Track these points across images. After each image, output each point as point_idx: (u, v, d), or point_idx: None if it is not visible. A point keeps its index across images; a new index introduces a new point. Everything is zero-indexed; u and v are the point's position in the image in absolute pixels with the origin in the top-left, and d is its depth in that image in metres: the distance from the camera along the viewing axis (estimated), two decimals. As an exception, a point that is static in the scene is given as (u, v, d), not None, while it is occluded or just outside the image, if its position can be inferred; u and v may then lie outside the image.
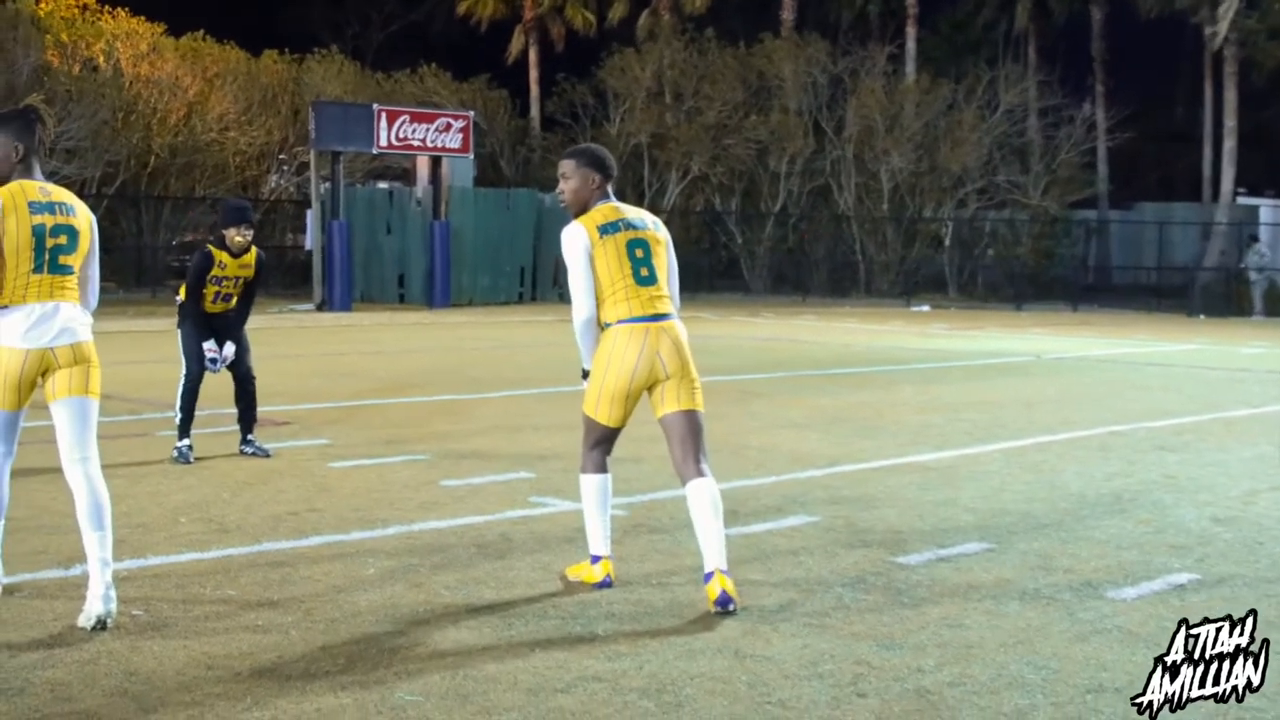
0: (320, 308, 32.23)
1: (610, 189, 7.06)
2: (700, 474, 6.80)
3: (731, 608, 6.51)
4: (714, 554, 6.60)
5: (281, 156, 41.55)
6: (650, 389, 6.95)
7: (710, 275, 45.48)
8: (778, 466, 10.70)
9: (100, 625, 6.08)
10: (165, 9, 42.42)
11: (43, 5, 39.65)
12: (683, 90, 46.29)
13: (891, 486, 9.94)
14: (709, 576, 6.56)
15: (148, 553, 7.55)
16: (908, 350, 23.29)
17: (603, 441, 7.06)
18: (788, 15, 52.49)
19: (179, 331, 10.89)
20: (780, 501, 9.25)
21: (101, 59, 38.61)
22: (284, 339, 23.45)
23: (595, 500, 7.05)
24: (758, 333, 27.64)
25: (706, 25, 49.40)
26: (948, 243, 45.85)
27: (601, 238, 6.84)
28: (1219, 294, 40.23)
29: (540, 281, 38.06)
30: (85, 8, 40.20)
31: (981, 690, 5.54)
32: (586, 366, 7.00)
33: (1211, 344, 25.86)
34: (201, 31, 42.01)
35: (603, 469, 7.06)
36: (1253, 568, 7.63)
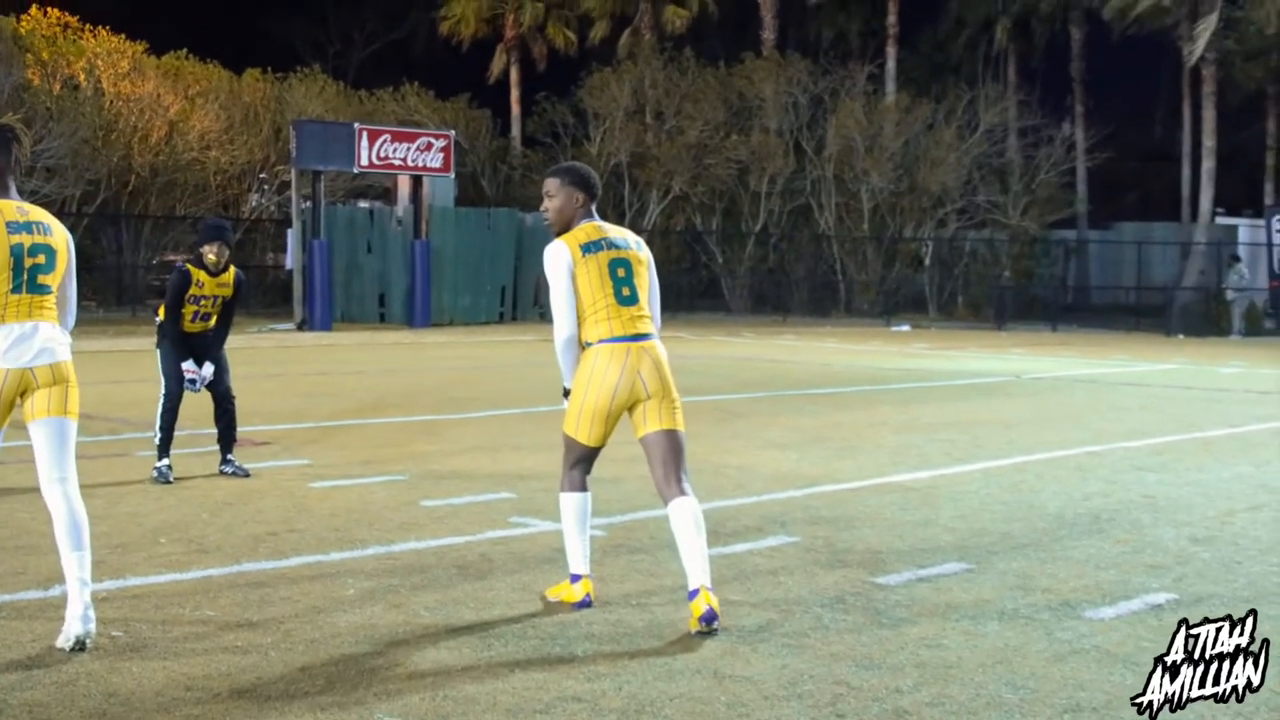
0: (301, 327, 32.19)
1: (594, 208, 7.07)
2: (682, 493, 6.80)
3: (715, 624, 6.51)
4: (698, 571, 6.61)
5: (262, 175, 41.53)
6: (631, 409, 6.95)
7: (690, 295, 45.51)
8: (757, 486, 10.72)
9: (79, 646, 6.06)
10: (147, 28, 42.44)
11: (24, 23, 39.61)
12: (663, 109, 46.39)
13: (871, 506, 9.96)
14: (694, 594, 6.56)
15: (127, 573, 7.53)
16: (887, 370, 23.33)
17: (582, 461, 7.06)
18: (768, 35, 52.69)
19: (158, 351, 10.88)
20: (760, 521, 9.26)
21: (82, 77, 38.57)
22: (264, 358, 23.41)
23: (575, 519, 7.04)
24: (738, 352, 27.66)
25: (687, 45, 49.53)
26: (928, 262, 45.98)
27: (584, 256, 6.84)
28: (1198, 313, 40.36)
29: (521, 301, 38.06)
30: (67, 26, 40.16)
31: (960, 710, 5.55)
32: (567, 385, 7.00)
33: (1190, 364, 25.94)
34: (184, 50, 42.02)
35: (582, 488, 7.06)
36: (1230, 587, 7.66)
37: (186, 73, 41.00)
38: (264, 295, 39.18)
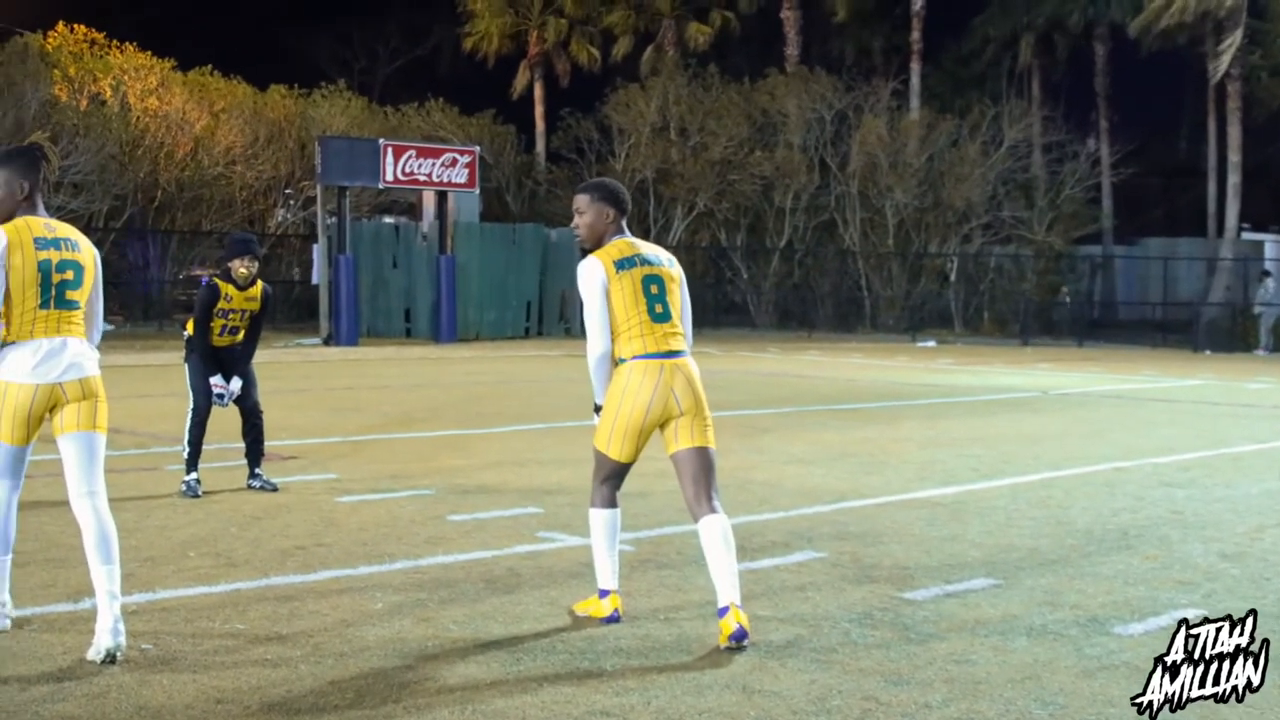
0: (327, 342, 32.27)
1: (624, 223, 7.07)
2: (712, 510, 6.77)
3: (745, 642, 6.50)
4: (728, 589, 6.60)
5: (288, 191, 41.66)
6: (663, 426, 6.94)
7: (715, 311, 45.48)
8: (784, 502, 10.71)
9: (110, 659, 6.09)
10: (173, 44, 42.63)
11: (50, 40, 39.83)
12: (687, 126, 46.41)
13: (898, 522, 9.95)
14: (724, 611, 6.55)
15: (156, 586, 7.56)
16: (913, 385, 23.29)
17: (613, 477, 7.05)
18: (792, 51, 52.69)
19: (186, 365, 10.91)
20: (787, 537, 9.26)
21: (109, 93, 38.76)
22: (291, 373, 23.48)
23: (604, 535, 7.03)
24: (763, 368, 27.65)
25: (710, 61, 49.56)
26: (953, 278, 45.90)
27: (618, 273, 6.83)
28: (1224, 329, 40.22)
29: (546, 316, 38.11)
30: (93, 43, 40.38)
31: (990, 726, 5.55)
32: (599, 401, 7.00)
33: (1217, 379, 25.86)
34: (209, 66, 42.19)
35: (612, 504, 7.07)
36: (1260, 603, 7.62)
37: (212, 89, 41.16)
38: (290, 310, 39.31)
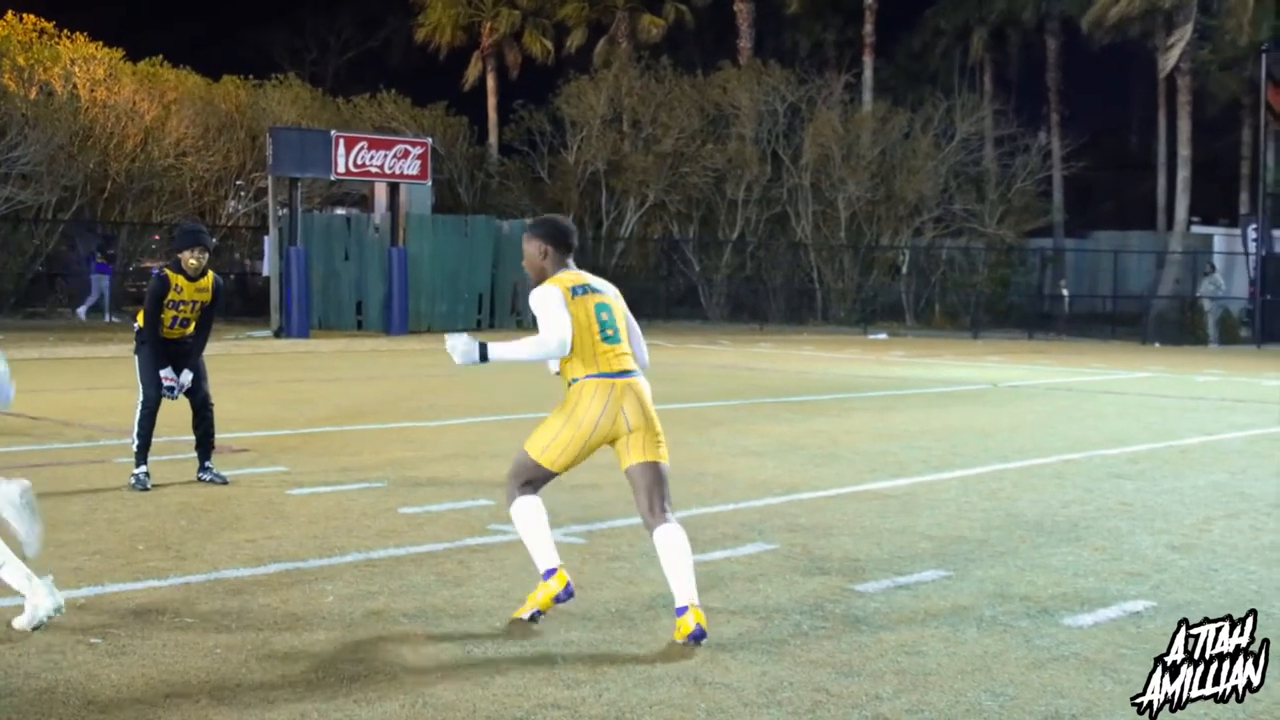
0: (278, 334, 32.12)
1: (570, 259, 7.20)
2: (665, 521, 6.84)
3: (704, 642, 6.54)
4: (685, 590, 6.66)
5: (239, 182, 41.44)
6: (613, 442, 7.00)
7: (667, 303, 45.52)
8: (735, 494, 10.72)
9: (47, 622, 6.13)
10: (123, 34, 42.33)
11: (-1, 29, 39.47)
12: (640, 118, 46.41)
13: (849, 514, 9.98)
14: (682, 610, 6.61)
15: (105, 580, 7.51)
16: (864, 378, 23.35)
17: (535, 481, 7.08)
18: (745, 44, 52.77)
19: (136, 357, 10.80)
20: (738, 529, 9.27)
21: (58, 83, 38.43)
22: (241, 365, 23.36)
23: (533, 519, 7.03)
24: (715, 360, 27.68)
25: (663, 53, 49.57)
26: (905, 271, 46.07)
27: (574, 298, 6.97)
28: (1174, 322, 40.52)
29: (498, 308, 38.03)
30: (43, 32, 40.00)
31: (939, 717, 5.57)
32: (492, 352, 6.94)
33: (1166, 372, 26.04)
34: (159, 57, 41.90)
35: (533, 494, 7.08)
36: (1208, 595, 7.69)
37: (162, 79, 40.87)
38: (241, 302, 39.08)
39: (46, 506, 9.42)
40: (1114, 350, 34.14)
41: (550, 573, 6.94)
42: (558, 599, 6.91)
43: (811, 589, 7.65)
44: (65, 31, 40.07)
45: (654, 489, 6.93)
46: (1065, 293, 43.76)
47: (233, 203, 41.92)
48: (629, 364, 7.06)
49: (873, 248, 45.77)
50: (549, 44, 54.60)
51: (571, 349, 6.93)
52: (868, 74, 51.33)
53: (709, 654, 6.33)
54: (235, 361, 24.17)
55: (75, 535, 8.61)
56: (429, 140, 36.73)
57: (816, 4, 55.52)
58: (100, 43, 39.87)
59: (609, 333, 7.02)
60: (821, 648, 6.48)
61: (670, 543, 6.75)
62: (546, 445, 6.97)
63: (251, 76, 43.62)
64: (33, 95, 37.50)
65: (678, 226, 46.57)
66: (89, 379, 20.31)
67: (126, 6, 57.00)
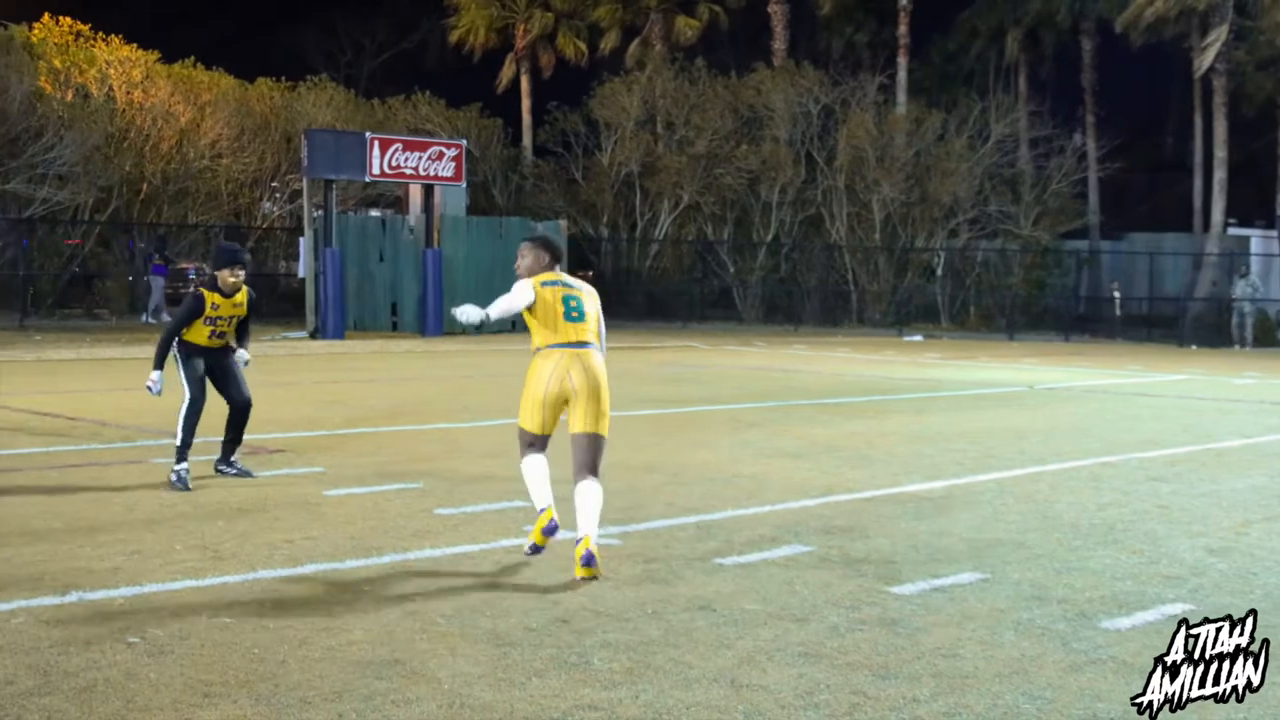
0: (313, 335, 32.20)
1: (558, 267, 8.62)
2: (589, 479, 8.08)
3: (595, 566, 7.77)
4: (587, 523, 7.90)
5: (274, 184, 41.59)
6: (567, 404, 8.22)
7: (702, 305, 45.53)
8: (771, 496, 10.70)
9: None
10: (158, 37, 42.52)
11: (36, 31, 39.67)
12: (674, 120, 46.41)
13: (885, 516, 9.95)
14: (579, 540, 7.86)
15: (143, 580, 7.53)
16: (900, 380, 23.30)
17: (534, 444, 8.32)
18: (779, 45, 52.68)
19: (178, 359, 10.93)
20: (774, 531, 9.26)
21: (94, 86, 38.63)
22: (277, 366, 23.43)
23: (532, 472, 8.28)
24: (750, 362, 27.67)
25: (697, 55, 49.55)
26: (940, 273, 45.96)
27: (543, 288, 8.37)
28: (1210, 324, 40.33)
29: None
30: (79, 34, 40.22)
31: (977, 720, 5.55)
32: (491, 310, 8.43)
33: (1203, 374, 25.91)
34: (193, 59, 42.06)
35: (537, 453, 8.34)
36: (1246, 598, 7.64)
37: (197, 81, 41.04)
38: (277, 303, 39.21)
39: (85, 506, 9.50)
40: (1150, 352, 34.00)
41: (542, 510, 8.13)
42: (545, 530, 8.08)
43: (848, 591, 7.63)
44: (101, 34, 40.30)
45: (587, 457, 8.14)
46: (1117, 294, 43.53)
47: (268, 204, 42.08)
48: (586, 338, 8.32)
49: (907, 249, 45.67)
50: (583, 45, 54.64)
51: (539, 323, 8.33)
52: (902, 75, 51.18)
53: (746, 655, 6.33)
54: (271, 363, 24.23)
55: (113, 535, 8.65)
56: (463, 142, 36.78)
57: (850, 5, 55.43)
58: (135, 44, 40.08)
59: (574, 314, 8.34)
60: (858, 650, 6.47)
61: (588, 491, 8.00)
62: (521, 413, 8.39)
63: (286, 78, 43.78)
64: (69, 97, 37.72)
65: (712, 228, 46.53)
66: (126, 380, 20.38)
67: (161, 9, 57.21)
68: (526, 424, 8.34)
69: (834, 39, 58.00)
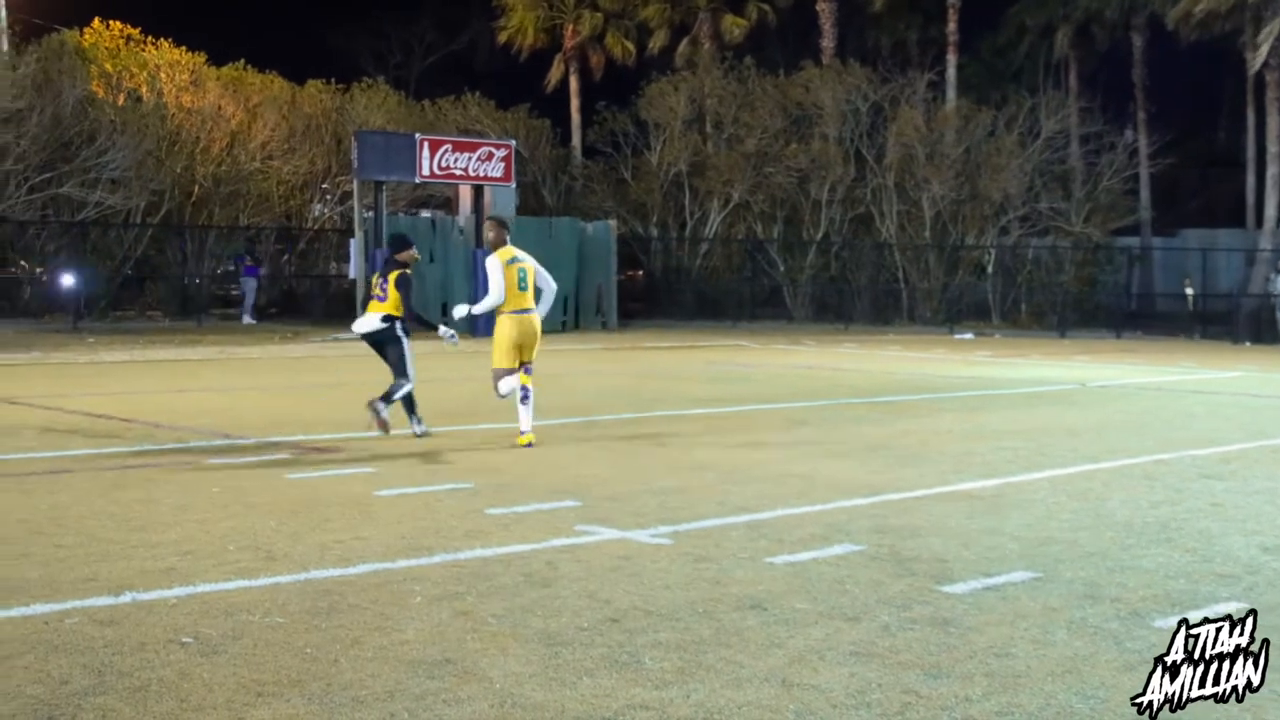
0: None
1: (508, 237, 13.61)
2: (526, 376, 13.46)
3: (528, 392, 13.35)
4: (525, 422, 13.38)
5: (325, 186, 41.77)
6: (519, 347, 13.41)
7: (752, 303, 45.50)
8: (821, 495, 10.68)
9: None
10: (207, 40, 42.70)
11: (87, 36, 39.97)
12: (722, 119, 46.37)
13: (936, 515, 9.91)
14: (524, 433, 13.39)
15: (197, 580, 7.57)
16: (951, 378, 23.22)
17: (506, 374, 13.33)
18: (828, 43, 52.56)
19: (404, 343, 13.70)
20: (825, 530, 9.23)
21: (145, 89, 38.88)
22: (329, 367, 23.54)
23: (508, 385, 13.35)
24: (800, 360, 27.62)
25: (746, 54, 49.48)
26: (990, 270, 45.77)
27: (506, 265, 13.36)
28: (1264, 320, 40.03)
29: (583, 310, 38.09)
30: (129, 38, 40.50)
31: (1030, 720, 5.53)
32: (473, 308, 13.61)
33: (1257, 371, 25.72)
34: (242, 61, 42.27)
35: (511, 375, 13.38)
36: (1302, 597, 7.58)
37: (247, 84, 41.26)
38: (328, 304, 39.40)
39: (138, 507, 9.56)
40: (1203, 349, 33.77)
41: (524, 432, 13.37)
42: (526, 446, 13.17)
43: (899, 590, 7.60)
44: (150, 38, 40.56)
45: (528, 370, 13.48)
46: (1190, 291, 43.16)
47: (318, 206, 42.27)
48: (529, 305, 13.43)
49: (958, 247, 45.50)
50: (631, 45, 54.65)
51: (500, 293, 13.22)
52: (951, 72, 51.03)
53: (797, 654, 6.31)
54: (323, 363, 24.36)
55: (166, 536, 8.70)
56: (513, 142, 36.87)
57: (899, 2, 55.25)
58: (184, 48, 40.32)
59: (523, 286, 13.34)
60: (910, 649, 6.44)
61: (503, 386, 13.39)
62: (498, 357, 13.37)
63: (335, 81, 43.96)
64: (120, 101, 37.98)
65: (762, 227, 46.48)
66: (178, 381, 20.52)
67: (211, 13, 57.50)
68: (502, 363, 13.35)
69: (883, 36, 57.86)
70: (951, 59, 51.48)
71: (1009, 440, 14.39)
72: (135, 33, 40.65)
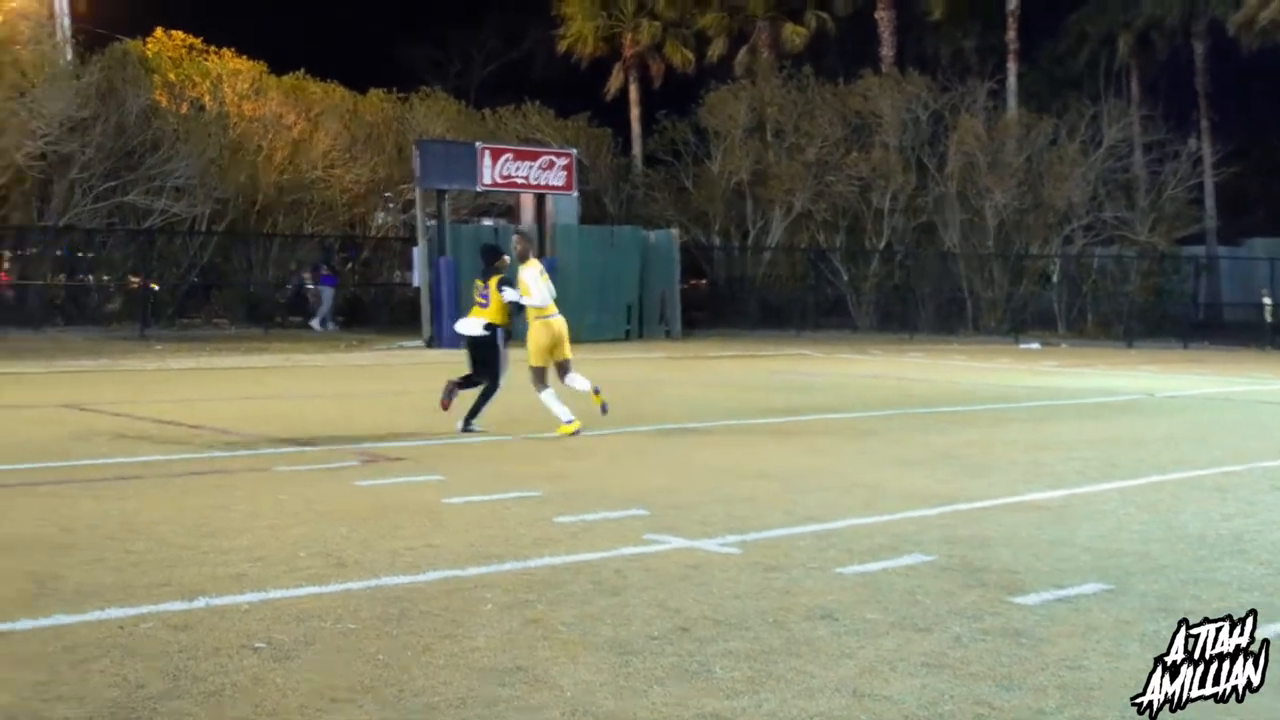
0: (429, 344, 32.40)
1: (532, 251, 15.45)
2: (568, 376, 15.17)
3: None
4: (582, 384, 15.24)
5: (387, 194, 41.97)
6: (551, 349, 14.97)
7: (816, 313, 45.38)
8: (889, 505, 10.63)
9: None
10: (268, 49, 42.89)
11: (150, 45, 40.29)
12: (783, 127, 46.29)
13: (1006, 526, 9.85)
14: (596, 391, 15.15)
15: (269, 586, 7.61)
16: (1016, 388, 23.09)
17: (543, 374, 15.00)
18: (887, 51, 52.37)
19: (501, 350, 15.23)
20: (894, 540, 9.18)
21: (207, 98, 39.18)
22: (394, 375, 23.64)
23: (552, 394, 14.99)
24: (864, 370, 27.55)
25: (805, 62, 49.39)
26: (1055, 279, 45.49)
27: (542, 274, 15.02)
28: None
29: (647, 318, 38.06)
30: (191, 48, 40.80)
31: (1106, 732, 5.48)
32: (520, 298, 15.02)
33: (1326, 382, 25.45)
34: (302, 70, 42.51)
35: (548, 384, 15.07)
36: (1380, 610, 7.49)
37: (308, 93, 41.50)
38: (391, 313, 39.58)
39: (209, 513, 9.63)
40: (1272, 359, 33.44)
41: (569, 420, 14.83)
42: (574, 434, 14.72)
43: (970, 601, 7.56)
44: (213, 47, 40.85)
45: (561, 371, 15.09)
46: (1267, 301, 42.70)
47: (381, 214, 42.47)
48: (555, 309, 15.05)
49: (1022, 256, 45.23)
50: (690, 54, 54.63)
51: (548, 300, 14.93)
52: (1011, 80, 50.69)
53: (868, 665, 6.29)
54: (388, 371, 24.46)
55: (237, 542, 8.75)
56: (574, 151, 36.93)
57: (958, 11, 54.98)
58: (245, 57, 40.61)
59: (553, 294, 15.10)
60: (982, 660, 6.40)
61: (574, 380, 15.09)
62: (534, 356, 15.04)
63: (397, 90, 44.14)
64: (183, 110, 38.29)
65: (824, 236, 46.37)
66: (245, 388, 20.66)
67: (271, 22, 57.82)
68: (538, 361, 15.04)
69: (942, 44, 57.61)
70: (1011, 67, 51.15)
71: (1077, 451, 14.29)
72: (197, 42, 40.94)
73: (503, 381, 15.29)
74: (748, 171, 45.34)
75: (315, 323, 37.49)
